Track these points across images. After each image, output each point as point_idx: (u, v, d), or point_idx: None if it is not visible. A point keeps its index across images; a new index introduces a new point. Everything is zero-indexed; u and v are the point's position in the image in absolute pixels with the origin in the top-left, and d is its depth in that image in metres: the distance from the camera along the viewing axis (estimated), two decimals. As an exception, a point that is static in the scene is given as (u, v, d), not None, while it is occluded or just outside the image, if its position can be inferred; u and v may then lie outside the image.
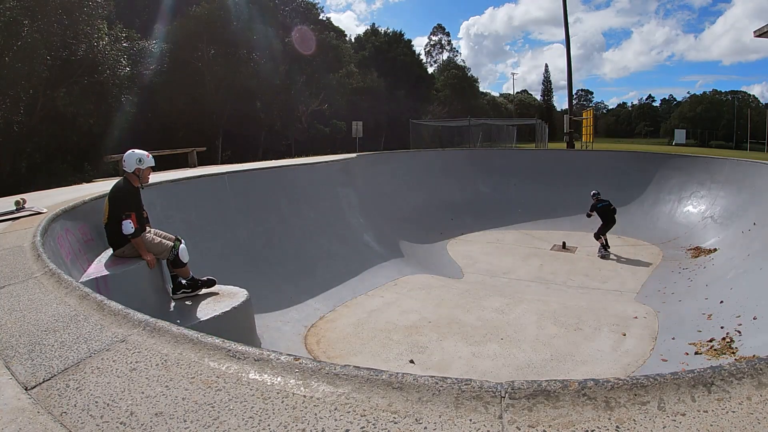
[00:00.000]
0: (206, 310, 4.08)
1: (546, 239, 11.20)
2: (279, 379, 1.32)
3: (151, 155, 4.22)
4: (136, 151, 4.16)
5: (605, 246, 10.00)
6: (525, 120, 36.02)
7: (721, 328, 5.42)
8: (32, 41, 12.50)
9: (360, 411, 1.16)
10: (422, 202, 13.10)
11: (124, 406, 1.25)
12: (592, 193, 10.59)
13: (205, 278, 4.45)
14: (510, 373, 4.80)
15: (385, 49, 41.39)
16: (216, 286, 4.53)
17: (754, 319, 5.27)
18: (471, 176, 14.90)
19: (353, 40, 42.20)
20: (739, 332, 5.18)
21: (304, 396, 1.24)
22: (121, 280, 3.69)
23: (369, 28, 46.13)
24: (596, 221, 10.26)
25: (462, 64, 57.41)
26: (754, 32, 10.13)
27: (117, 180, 4.37)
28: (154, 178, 5.00)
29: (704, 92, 64.26)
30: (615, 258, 9.70)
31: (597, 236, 10.09)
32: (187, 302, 4.25)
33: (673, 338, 5.48)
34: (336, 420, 1.13)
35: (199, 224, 6.52)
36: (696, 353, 5.01)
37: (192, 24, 21.31)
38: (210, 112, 21.89)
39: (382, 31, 43.99)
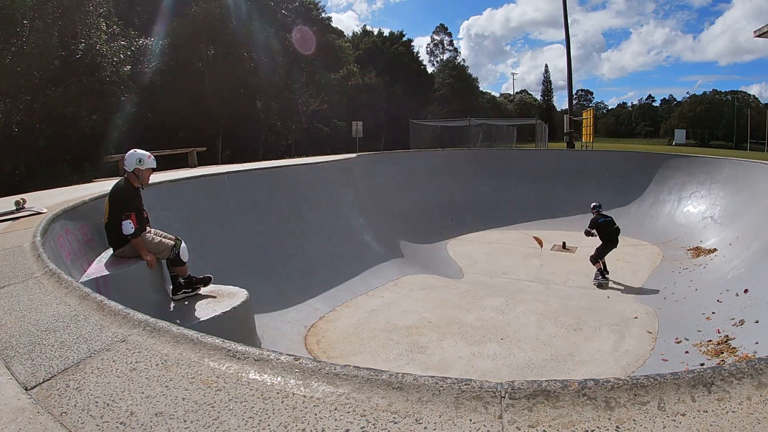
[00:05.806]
0: (206, 310, 4.08)
1: (546, 239, 11.19)
2: (279, 379, 1.32)
3: (153, 156, 4.18)
4: (138, 151, 4.12)
5: (603, 271, 8.10)
6: (525, 120, 36.04)
7: (721, 328, 5.42)
8: (31, 41, 12.50)
9: (360, 411, 1.16)
10: (422, 202, 13.09)
11: (124, 406, 1.25)
12: (592, 206, 8.49)
13: (201, 276, 4.44)
14: (510, 373, 4.80)
15: (383, 48, 41.40)
16: (216, 286, 4.53)
17: (756, 322, 5.27)
18: (471, 176, 14.88)
19: (351, 39, 42.17)
20: (739, 332, 5.18)
21: (304, 396, 1.24)
22: (121, 280, 3.69)
23: (361, 29, 46.27)
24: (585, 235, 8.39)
25: (462, 63, 57.52)
26: (754, 32, 10.14)
27: (118, 180, 4.37)
28: (155, 178, 4.98)
29: (704, 92, 64.42)
30: (613, 280, 8.09)
31: (594, 260, 8.14)
32: (186, 302, 4.25)
33: (676, 338, 5.48)
34: (336, 420, 1.13)
35: (199, 224, 6.52)
36: (696, 353, 5.01)
37: (191, 24, 21.31)
38: (210, 112, 21.88)
39: (376, 32, 44.10)
